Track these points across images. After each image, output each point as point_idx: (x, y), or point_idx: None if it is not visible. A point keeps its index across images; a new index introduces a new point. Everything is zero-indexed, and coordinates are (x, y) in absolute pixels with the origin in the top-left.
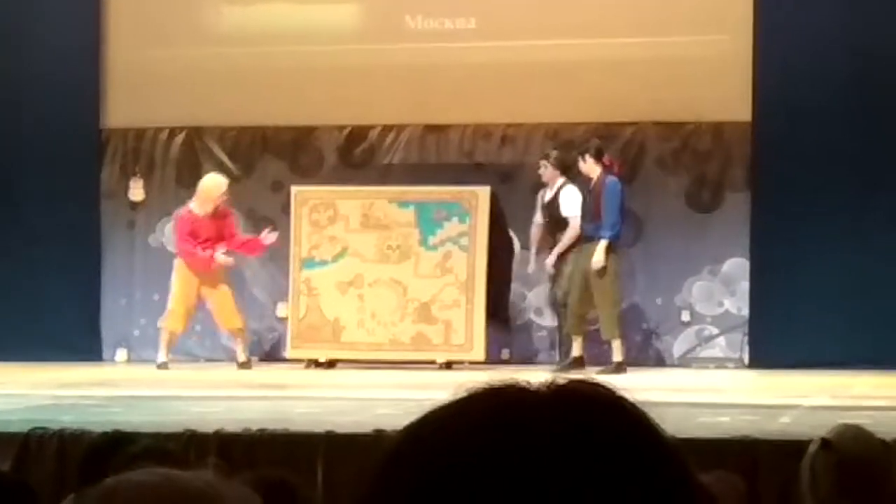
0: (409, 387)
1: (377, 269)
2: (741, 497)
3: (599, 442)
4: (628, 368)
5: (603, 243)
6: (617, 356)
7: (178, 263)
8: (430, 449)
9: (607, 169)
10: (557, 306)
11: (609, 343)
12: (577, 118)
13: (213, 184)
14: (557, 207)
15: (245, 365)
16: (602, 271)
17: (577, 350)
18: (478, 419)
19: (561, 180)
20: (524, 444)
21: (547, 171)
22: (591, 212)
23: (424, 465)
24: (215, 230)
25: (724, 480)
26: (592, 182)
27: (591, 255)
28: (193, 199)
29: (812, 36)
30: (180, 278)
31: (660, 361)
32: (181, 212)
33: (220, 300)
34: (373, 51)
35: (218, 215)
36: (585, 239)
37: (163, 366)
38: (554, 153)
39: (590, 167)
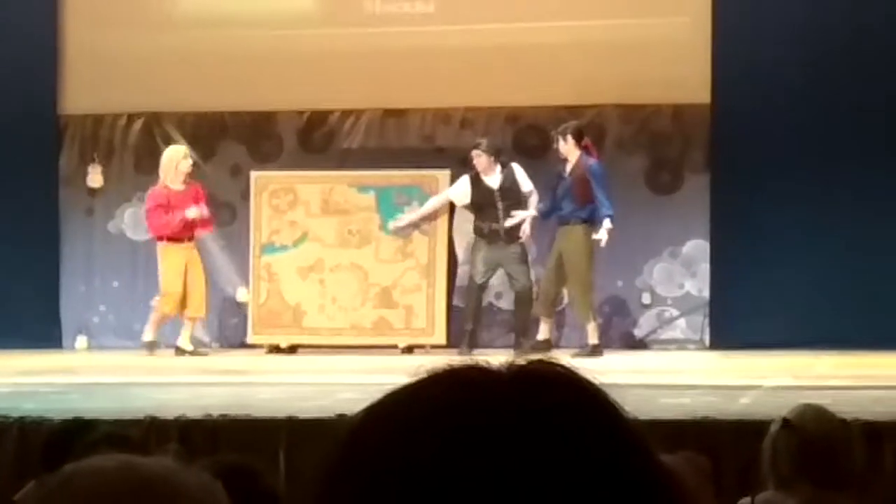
0: (371, 371)
1: (338, 254)
2: (707, 478)
3: (559, 421)
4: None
5: (607, 222)
6: (593, 339)
7: (161, 248)
8: (389, 430)
9: (586, 151)
10: (473, 290)
11: (583, 326)
12: (537, 101)
13: (173, 153)
14: (511, 190)
15: (195, 353)
16: (589, 250)
17: (544, 333)
18: (437, 399)
19: (498, 168)
20: (483, 424)
21: (481, 159)
22: (574, 194)
23: (383, 446)
24: (189, 203)
25: (690, 461)
26: (571, 164)
27: (571, 236)
28: (161, 174)
29: (771, 18)
30: (166, 261)
31: (621, 343)
32: (154, 187)
33: (196, 286)
34: (332, 35)
35: (190, 191)
36: (562, 221)
37: (151, 345)
38: (484, 142)
39: (569, 149)
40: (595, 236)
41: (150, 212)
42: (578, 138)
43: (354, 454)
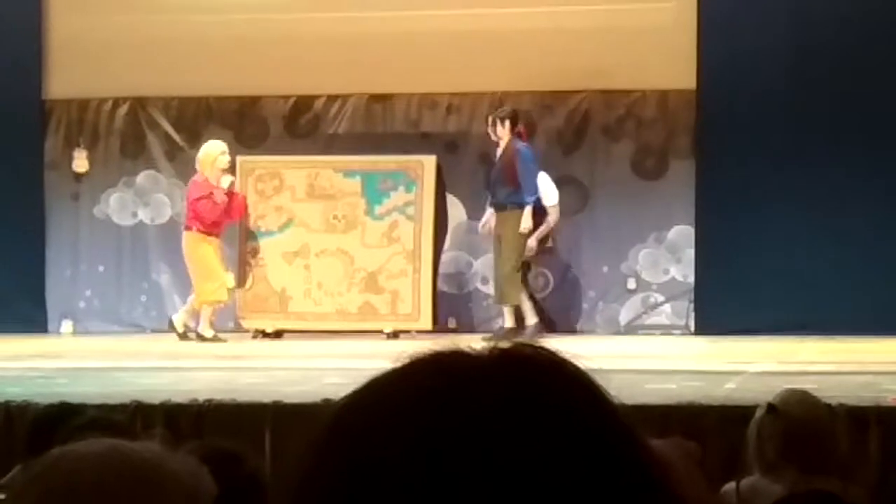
0: (356, 356)
1: (324, 239)
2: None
3: (542, 404)
4: (574, 335)
5: (528, 209)
6: (509, 322)
7: (188, 238)
8: (373, 415)
9: (518, 136)
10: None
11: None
12: (523, 87)
13: (211, 148)
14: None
15: (215, 338)
16: (522, 236)
17: (509, 321)
18: (420, 384)
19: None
20: (466, 408)
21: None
22: (504, 178)
23: (367, 432)
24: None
25: (679, 446)
26: (501, 148)
27: (507, 221)
28: (198, 168)
29: (757, 4)
30: (196, 249)
31: (606, 329)
32: (195, 178)
33: (218, 269)
34: (318, 20)
35: (227, 192)
36: (499, 206)
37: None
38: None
39: (504, 132)
40: (520, 228)
41: (195, 202)
42: (514, 123)
43: (339, 439)
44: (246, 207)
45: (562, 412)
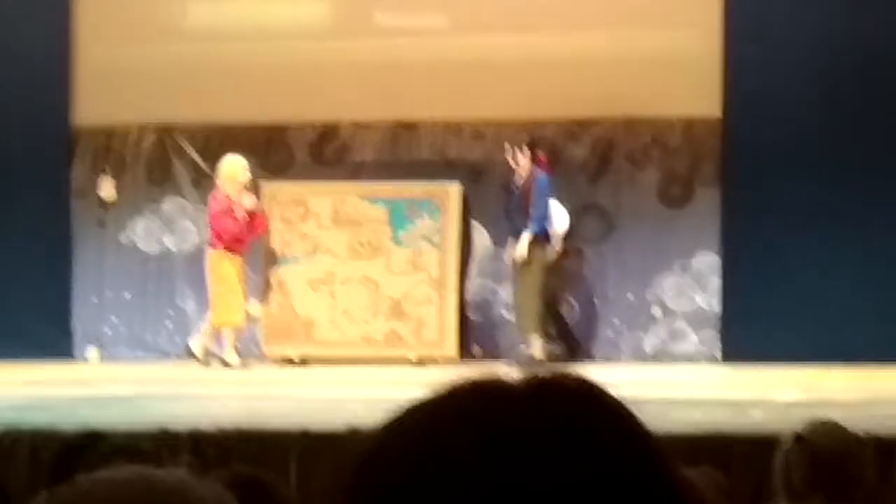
0: (382, 384)
1: (349, 267)
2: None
3: (581, 435)
4: (599, 363)
5: (525, 235)
6: (536, 352)
7: (211, 255)
8: (414, 443)
9: (538, 165)
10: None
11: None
12: (548, 114)
13: (231, 164)
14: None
15: (239, 365)
16: (525, 264)
17: (534, 348)
18: (460, 414)
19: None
20: (506, 438)
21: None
22: (522, 207)
23: (406, 463)
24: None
25: (707, 476)
26: (523, 178)
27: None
28: (218, 183)
29: (782, 31)
30: (217, 268)
31: (631, 357)
32: (215, 193)
33: (237, 291)
34: (343, 48)
35: (249, 212)
36: (517, 234)
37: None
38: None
39: (523, 161)
40: (508, 254)
41: (215, 217)
42: (533, 151)
43: (377, 471)
44: (267, 224)
45: (600, 442)
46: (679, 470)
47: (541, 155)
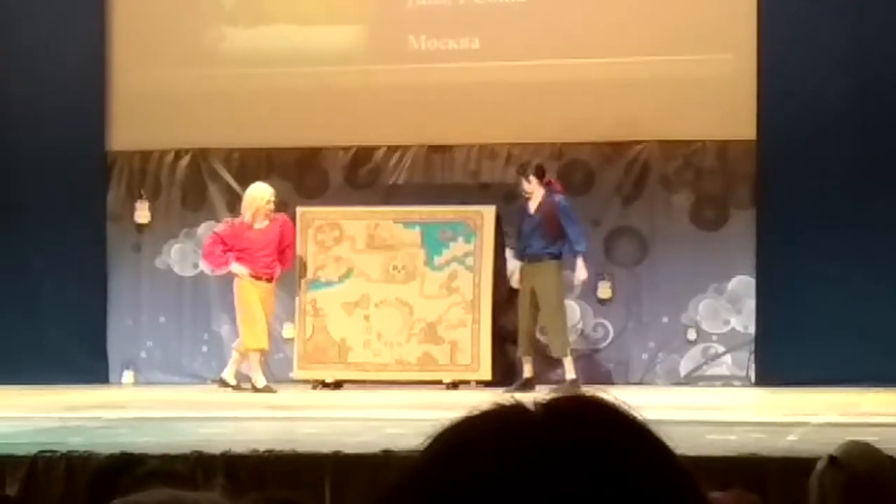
0: (416, 407)
1: (383, 290)
2: None
3: (603, 457)
4: (633, 386)
5: (581, 259)
6: (570, 373)
7: (236, 282)
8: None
9: (550, 188)
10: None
11: (561, 361)
12: (582, 137)
13: (253, 191)
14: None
15: (267, 389)
16: (561, 286)
17: (528, 371)
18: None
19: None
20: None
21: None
22: (542, 231)
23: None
24: (263, 240)
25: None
26: (536, 202)
27: (542, 273)
28: (242, 210)
29: (816, 54)
30: (242, 294)
31: (666, 380)
32: (232, 222)
33: (261, 317)
34: (377, 71)
35: (268, 229)
36: (533, 258)
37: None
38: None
39: (533, 187)
40: (576, 281)
41: (207, 241)
42: (541, 176)
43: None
44: (294, 259)
45: (622, 465)
46: (705, 493)
47: (549, 178)
